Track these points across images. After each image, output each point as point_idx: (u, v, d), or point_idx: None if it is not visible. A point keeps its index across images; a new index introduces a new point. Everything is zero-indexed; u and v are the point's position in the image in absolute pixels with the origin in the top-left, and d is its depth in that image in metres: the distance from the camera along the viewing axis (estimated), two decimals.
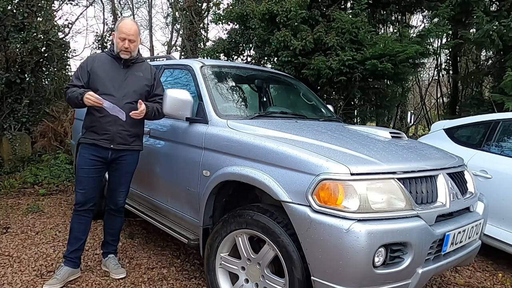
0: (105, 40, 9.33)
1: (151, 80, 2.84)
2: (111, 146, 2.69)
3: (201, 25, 11.31)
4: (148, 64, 2.93)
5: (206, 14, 11.47)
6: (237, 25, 6.67)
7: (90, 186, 2.73)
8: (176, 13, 12.28)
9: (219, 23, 6.81)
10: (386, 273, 1.86)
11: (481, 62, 8.72)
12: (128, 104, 2.67)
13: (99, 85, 2.66)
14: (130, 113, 2.60)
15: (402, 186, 1.96)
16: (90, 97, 2.53)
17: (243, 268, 2.31)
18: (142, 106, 2.61)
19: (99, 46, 9.37)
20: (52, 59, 6.49)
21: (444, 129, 4.22)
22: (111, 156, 2.73)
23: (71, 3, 7.22)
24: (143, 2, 19.09)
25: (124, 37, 2.65)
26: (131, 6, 18.57)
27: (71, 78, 2.79)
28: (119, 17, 16.35)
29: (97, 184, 2.79)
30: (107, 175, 2.92)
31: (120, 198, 2.90)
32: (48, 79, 7.03)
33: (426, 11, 7.40)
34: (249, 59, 6.91)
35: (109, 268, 2.95)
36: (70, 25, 7.14)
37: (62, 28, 6.91)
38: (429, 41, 6.26)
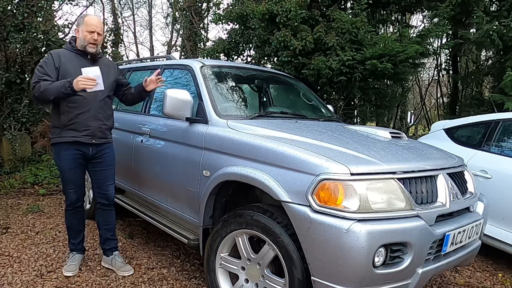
0: (105, 40, 9.32)
1: (118, 75, 2.96)
2: (93, 141, 2.74)
3: (201, 25, 11.31)
4: (109, 59, 3.10)
5: (206, 14, 11.47)
6: (237, 25, 6.67)
7: (79, 184, 2.85)
8: (176, 13, 12.29)
9: (219, 23, 6.81)
10: (386, 273, 1.86)
11: (481, 62, 8.72)
12: (104, 99, 2.76)
13: None
14: (154, 78, 2.84)
15: (402, 186, 1.96)
16: (83, 79, 2.47)
17: (243, 268, 2.31)
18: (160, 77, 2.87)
19: None
20: None
21: (444, 129, 4.21)
22: (92, 152, 2.78)
23: (71, 3, 7.23)
24: (143, 2, 19.13)
25: (93, 29, 2.67)
26: (131, 6, 18.61)
27: (37, 73, 2.61)
28: (119, 17, 16.35)
29: (84, 180, 2.91)
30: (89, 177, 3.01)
31: (110, 192, 2.94)
32: None
33: (426, 11, 7.41)
34: (249, 59, 6.91)
35: (116, 266, 2.95)
36: (70, 25, 7.13)
37: (62, 28, 6.90)
38: (429, 41, 6.26)
